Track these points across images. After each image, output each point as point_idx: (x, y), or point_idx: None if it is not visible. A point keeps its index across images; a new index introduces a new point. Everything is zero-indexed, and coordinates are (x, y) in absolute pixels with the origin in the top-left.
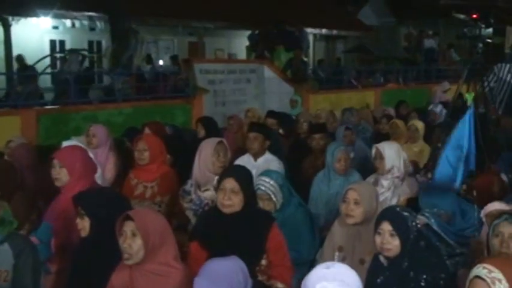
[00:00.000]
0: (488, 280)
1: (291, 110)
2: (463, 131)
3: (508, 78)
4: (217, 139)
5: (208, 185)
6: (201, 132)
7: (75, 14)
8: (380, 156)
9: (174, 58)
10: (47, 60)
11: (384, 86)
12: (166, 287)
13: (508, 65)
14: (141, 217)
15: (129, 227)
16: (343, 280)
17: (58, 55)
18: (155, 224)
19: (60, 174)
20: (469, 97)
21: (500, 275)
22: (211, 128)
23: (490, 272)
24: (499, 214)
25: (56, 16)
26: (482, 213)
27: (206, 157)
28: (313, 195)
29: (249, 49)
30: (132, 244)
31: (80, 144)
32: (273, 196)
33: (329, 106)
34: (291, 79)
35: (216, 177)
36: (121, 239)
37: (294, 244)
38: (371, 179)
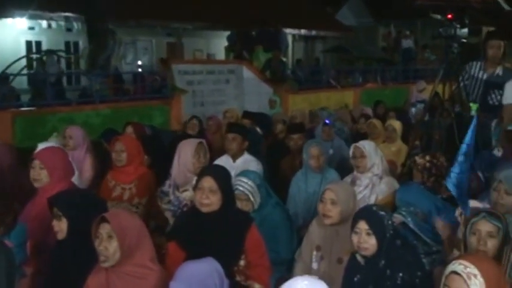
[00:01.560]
0: (464, 275)
1: (270, 111)
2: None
3: (480, 75)
4: (197, 140)
5: (187, 186)
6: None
7: (51, 14)
8: (361, 154)
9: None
10: (23, 61)
11: (362, 85)
12: None
13: (479, 62)
14: (116, 219)
15: (104, 229)
16: None
17: (34, 56)
18: (131, 225)
19: (41, 175)
20: (473, 107)
21: (475, 271)
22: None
23: (466, 267)
24: (476, 212)
25: (32, 17)
26: (457, 212)
27: (186, 158)
28: (292, 194)
29: (228, 50)
30: (108, 246)
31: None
32: (250, 196)
33: (308, 106)
34: (270, 79)
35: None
36: (97, 242)
37: (272, 244)
38: (348, 178)
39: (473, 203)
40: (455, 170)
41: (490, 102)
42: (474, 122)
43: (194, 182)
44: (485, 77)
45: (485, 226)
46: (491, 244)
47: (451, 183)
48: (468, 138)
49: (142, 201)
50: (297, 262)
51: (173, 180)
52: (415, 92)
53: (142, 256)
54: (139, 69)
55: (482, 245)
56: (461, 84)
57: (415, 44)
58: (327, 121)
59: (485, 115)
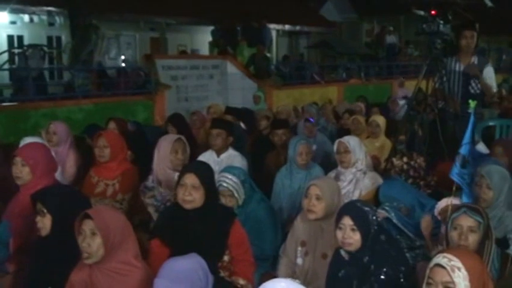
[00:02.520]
0: (448, 268)
1: (255, 106)
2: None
3: (457, 68)
4: (175, 136)
5: (169, 182)
6: (173, 132)
7: (33, 8)
8: (345, 149)
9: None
10: (5, 56)
11: (346, 81)
12: (127, 286)
13: (454, 56)
14: (100, 215)
15: (88, 225)
16: None
17: (16, 51)
18: (115, 222)
19: (23, 173)
20: (471, 104)
21: (459, 263)
22: (182, 126)
23: (450, 260)
24: (458, 207)
25: (14, 11)
26: (436, 211)
27: (165, 154)
28: (276, 189)
29: (212, 45)
30: (91, 243)
31: (41, 142)
32: (234, 192)
33: (292, 102)
34: (254, 75)
35: (177, 174)
36: (80, 238)
37: (256, 240)
38: (332, 173)
39: (446, 202)
40: (468, 171)
41: (472, 91)
42: (472, 119)
43: (176, 178)
44: (462, 68)
45: (466, 221)
46: (472, 239)
47: (466, 185)
48: (468, 136)
49: (126, 197)
50: (281, 258)
51: (155, 176)
52: (397, 88)
53: (126, 253)
54: (123, 64)
55: (463, 239)
56: (444, 79)
57: (398, 40)
58: (311, 119)
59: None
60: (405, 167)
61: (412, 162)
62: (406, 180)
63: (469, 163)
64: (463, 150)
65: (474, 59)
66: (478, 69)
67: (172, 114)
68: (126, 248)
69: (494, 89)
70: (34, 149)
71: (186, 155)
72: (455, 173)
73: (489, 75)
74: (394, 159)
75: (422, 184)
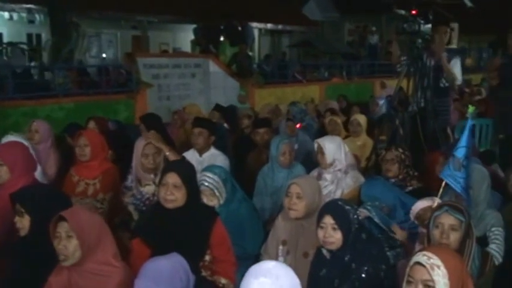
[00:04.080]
0: (428, 266)
1: (240, 106)
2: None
3: (429, 63)
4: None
5: (149, 180)
6: (143, 130)
7: (12, 6)
8: (321, 151)
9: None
10: None
11: (328, 80)
12: (107, 287)
13: (426, 52)
14: (75, 217)
15: (63, 228)
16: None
17: None
18: (90, 222)
19: (1, 172)
20: (470, 109)
21: (439, 262)
22: (154, 126)
23: (430, 258)
24: (440, 206)
25: None
26: (411, 215)
27: (137, 157)
28: (258, 188)
29: (194, 43)
30: (67, 245)
31: (21, 140)
32: (216, 191)
33: (275, 101)
34: (236, 74)
35: (152, 175)
36: (56, 241)
37: (238, 239)
38: (314, 172)
39: (421, 205)
40: (463, 175)
41: (441, 85)
42: (469, 124)
43: (152, 176)
44: (433, 63)
45: (447, 219)
46: (454, 237)
47: (461, 187)
48: (465, 140)
49: (107, 197)
50: (262, 257)
51: (135, 175)
52: (379, 88)
53: (104, 253)
54: (104, 63)
55: (445, 238)
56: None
57: (380, 40)
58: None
59: (439, 100)
60: (403, 156)
61: (406, 152)
62: (403, 170)
63: (465, 167)
64: (459, 153)
65: (444, 55)
66: (443, 49)
67: (145, 114)
68: (104, 249)
69: (458, 81)
70: (12, 148)
71: (158, 158)
72: (447, 174)
73: (455, 65)
74: (392, 150)
75: (412, 174)
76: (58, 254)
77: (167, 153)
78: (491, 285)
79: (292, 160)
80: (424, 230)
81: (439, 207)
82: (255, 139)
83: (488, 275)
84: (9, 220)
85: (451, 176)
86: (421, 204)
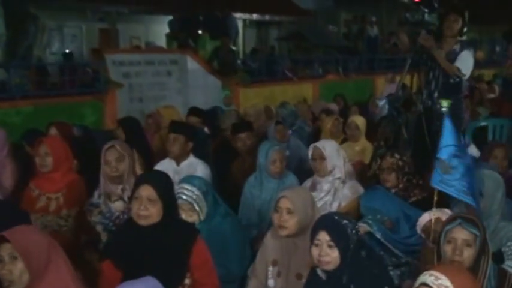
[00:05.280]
0: (435, 287)
1: (225, 108)
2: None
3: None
4: (108, 144)
5: (117, 196)
6: (121, 137)
7: None
8: (320, 156)
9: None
10: None
11: (322, 77)
12: None
13: (436, 44)
14: (18, 237)
15: (6, 250)
16: None
17: None
18: (36, 241)
19: None
20: (444, 103)
21: (447, 282)
22: (132, 130)
23: (437, 278)
24: (452, 218)
25: None
26: (418, 228)
27: (102, 165)
28: (244, 202)
29: (170, 37)
30: (12, 269)
31: None
32: (195, 205)
33: (262, 101)
34: (218, 71)
35: (120, 187)
36: None
37: (221, 259)
38: (308, 182)
39: (428, 217)
40: (454, 177)
41: (451, 81)
42: (447, 121)
43: (119, 191)
44: (443, 55)
45: (461, 234)
46: (468, 253)
47: (456, 191)
48: (448, 139)
49: (71, 213)
50: (250, 279)
51: (103, 189)
52: (386, 85)
53: (57, 274)
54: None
55: (458, 254)
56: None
57: (380, 32)
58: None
59: (454, 97)
60: (400, 163)
61: (405, 158)
62: (402, 178)
63: (455, 168)
64: (443, 154)
65: (457, 46)
66: (432, 41)
67: (124, 117)
68: (57, 270)
69: (464, 76)
70: None
71: (123, 164)
72: (438, 180)
73: (462, 58)
74: (388, 158)
75: (415, 182)
76: (3, 281)
77: None
78: None
79: (284, 169)
80: (431, 245)
81: (452, 219)
82: (236, 145)
83: None
84: None
85: (442, 182)
86: (429, 216)
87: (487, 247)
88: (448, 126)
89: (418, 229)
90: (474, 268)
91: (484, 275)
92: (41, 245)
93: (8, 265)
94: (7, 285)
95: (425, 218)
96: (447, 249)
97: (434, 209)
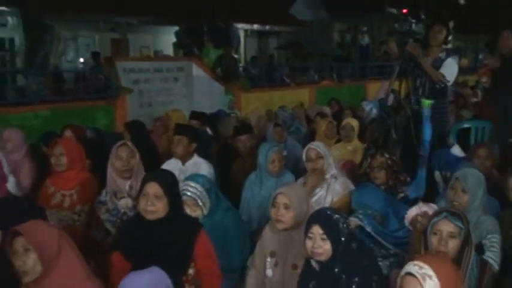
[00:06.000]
0: (419, 276)
1: (230, 112)
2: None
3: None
4: (119, 142)
5: (123, 193)
6: (128, 139)
7: None
8: (317, 155)
9: (95, 55)
10: None
11: (318, 83)
12: None
13: (423, 52)
14: (30, 230)
15: (19, 243)
16: None
17: None
18: (47, 233)
19: None
20: (425, 103)
21: (430, 271)
22: (138, 133)
23: (421, 268)
24: (438, 212)
25: None
26: (406, 221)
27: (111, 162)
28: (245, 197)
29: (176, 46)
30: (26, 260)
31: None
32: (199, 201)
33: (262, 105)
34: (221, 77)
35: (128, 183)
36: (14, 258)
37: (223, 251)
38: (302, 179)
39: (415, 210)
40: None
41: (437, 86)
42: (426, 118)
43: (127, 187)
44: (429, 63)
45: (446, 226)
46: (452, 244)
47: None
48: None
49: (84, 209)
50: (249, 269)
51: (110, 187)
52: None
53: (68, 263)
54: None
55: (443, 245)
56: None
57: (371, 41)
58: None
59: (436, 102)
60: (389, 162)
61: (393, 157)
62: (391, 176)
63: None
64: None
65: (442, 54)
66: (419, 49)
67: (130, 121)
68: (68, 260)
69: (448, 82)
70: None
71: (133, 161)
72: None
73: (446, 65)
74: (377, 157)
75: (403, 180)
76: (18, 272)
77: None
78: None
79: (282, 168)
80: (418, 229)
81: (438, 213)
82: (237, 147)
83: (487, 284)
84: None
85: None
86: (416, 210)
87: (470, 239)
88: (427, 125)
89: (406, 222)
90: (458, 258)
91: (467, 264)
92: (51, 237)
93: (22, 257)
94: (23, 275)
95: (413, 211)
96: (433, 240)
97: (420, 203)
